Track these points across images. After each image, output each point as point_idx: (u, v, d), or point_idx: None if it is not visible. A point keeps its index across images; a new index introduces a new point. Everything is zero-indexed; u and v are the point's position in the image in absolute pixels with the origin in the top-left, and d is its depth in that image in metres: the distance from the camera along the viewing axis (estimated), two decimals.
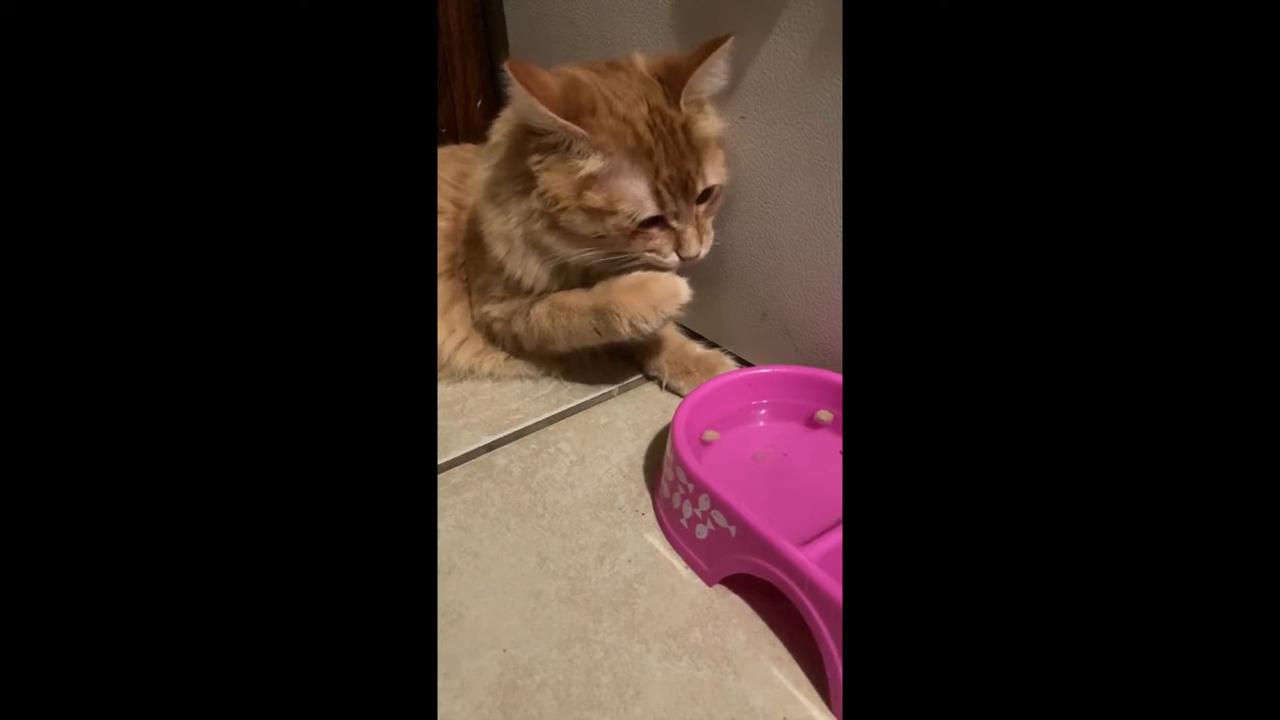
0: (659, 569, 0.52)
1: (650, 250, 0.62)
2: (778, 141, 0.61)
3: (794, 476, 0.58)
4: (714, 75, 0.60)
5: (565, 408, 0.71)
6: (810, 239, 0.62)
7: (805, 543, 0.45)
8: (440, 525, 0.57)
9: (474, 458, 0.65)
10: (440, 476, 0.62)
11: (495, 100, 1.03)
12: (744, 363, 0.73)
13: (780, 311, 0.68)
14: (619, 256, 0.63)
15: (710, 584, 0.51)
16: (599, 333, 0.64)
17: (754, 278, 0.69)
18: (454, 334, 0.75)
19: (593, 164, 0.57)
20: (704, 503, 0.50)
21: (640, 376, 0.76)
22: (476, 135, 0.86)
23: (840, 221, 0.58)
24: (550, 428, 0.69)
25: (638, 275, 0.63)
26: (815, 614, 0.42)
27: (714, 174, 0.61)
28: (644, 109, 0.58)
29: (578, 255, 0.63)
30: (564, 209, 0.59)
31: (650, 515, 0.57)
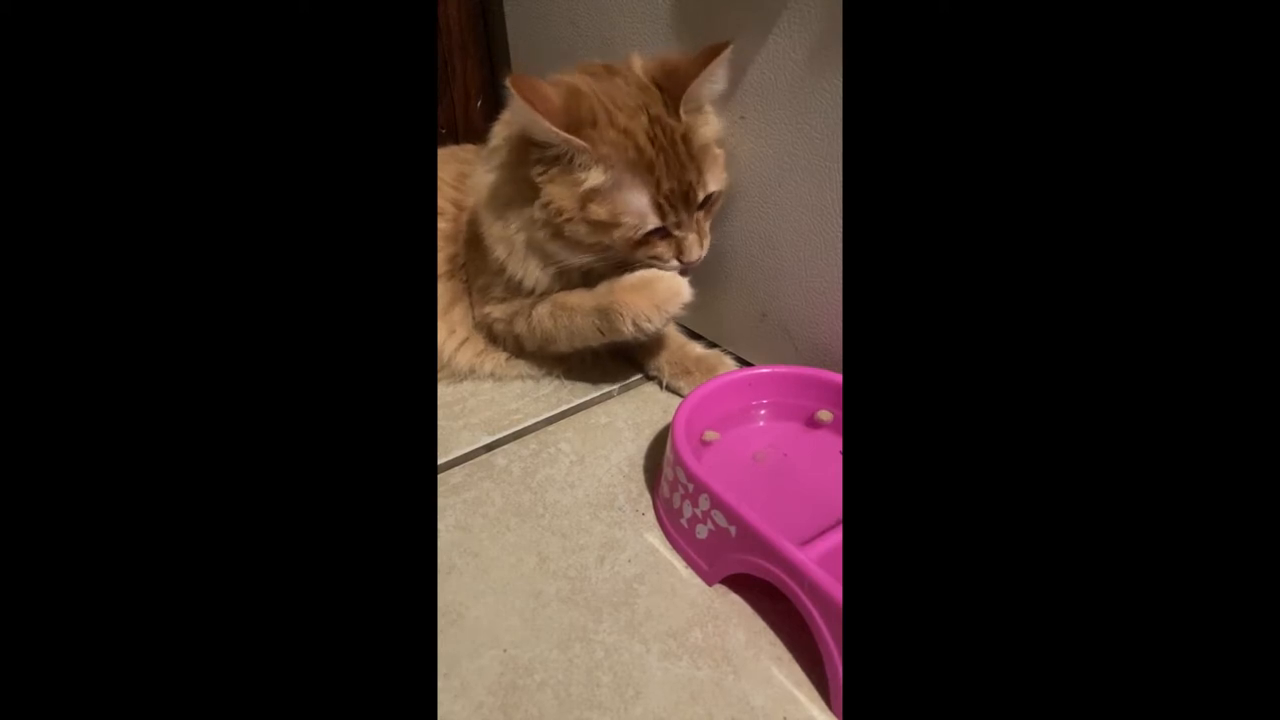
0: (659, 569, 0.52)
1: (653, 257, 0.63)
2: (777, 142, 0.61)
3: (794, 476, 0.58)
4: (713, 82, 0.60)
5: (565, 408, 0.71)
6: (810, 239, 0.62)
7: (805, 542, 0.45)
8: (440, 525, 0.57)
9: (474, 458, 0.65)
10: (440, 476, 0.62)
11: (495, 100, 1.03)
12: (744, 363, 0.73)
13: (780, 311, 0.68)
14: (622, 262, 0.63)
15: (710, 584, 0.51)
16: (602, 332, 0.64)
17: (754, 278, 0.69)
18: (454, 334, 0.75)
19: (595, 177, 0.57)
20: (704, 503, 0.50)
21: (640, 376, 0.76)
22: (476, 135, 0.86)
23: (840, 221, 0.58)
24: (550, 428, 0.69)
25: (640, 274, 0.63)
26: (815, 614, 0.42)
27: (714, 181, 0.61)
28: (644, 119, 0.58)
29: (581, 261, 0.63)
30: (568, 220, 0.59)
31: (650, 515, 0.57)
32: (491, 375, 0.76)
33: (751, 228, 0.67)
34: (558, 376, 0.75)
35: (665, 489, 0.55)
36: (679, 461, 0.52)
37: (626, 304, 0.61)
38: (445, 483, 0.61)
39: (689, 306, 0.63)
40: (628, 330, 0.62)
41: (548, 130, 0.55)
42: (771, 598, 0.47)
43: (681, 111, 0.59)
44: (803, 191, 0.60)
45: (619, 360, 0.77)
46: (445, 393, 0.74)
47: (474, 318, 0.75)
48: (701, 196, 0.61)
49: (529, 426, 0.69)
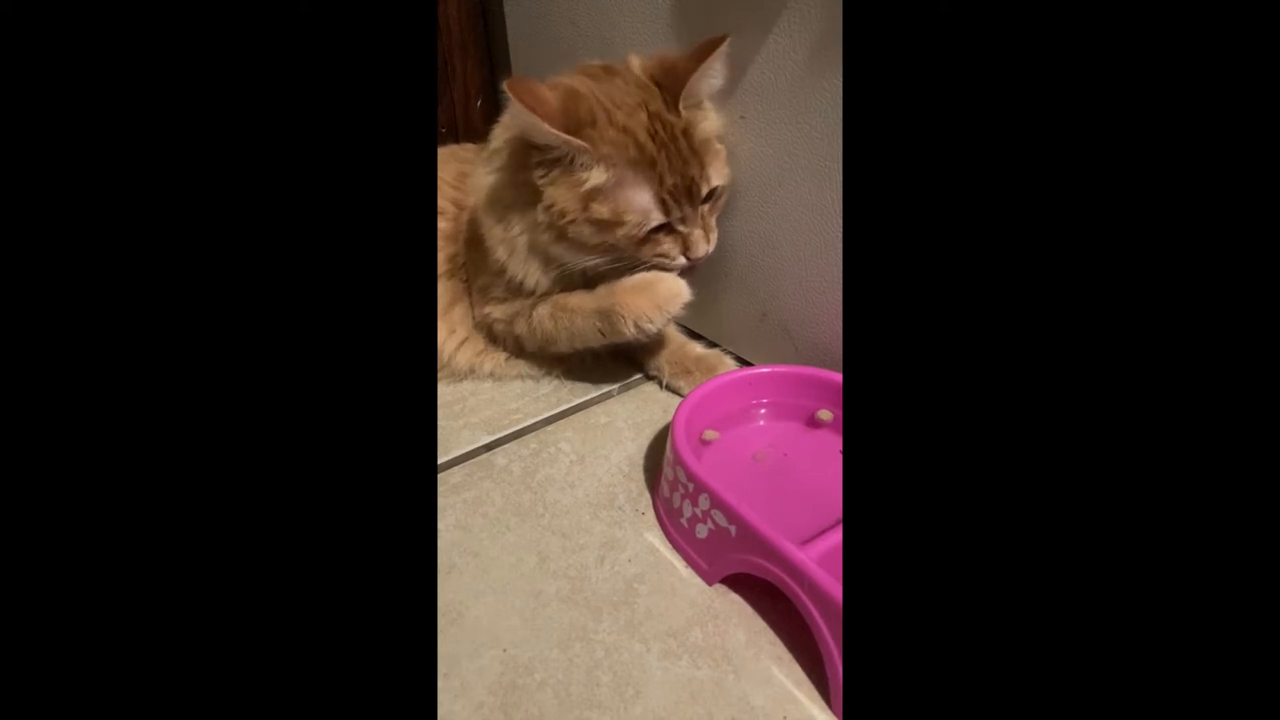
0: (659, 568, 0.52)
1: (659, 255, 0.63)
2: (777, 141, 0.61)
3: (794, 476, 0.58)
4: (712, 77, 0.60)
5: (565, 407, 0.71)
6: (810, 239, 0.62)
7: (805, 542, 0.45)
8: (440, 525, 0.57)
9: (474, 457, 0.65)
10: (440, 476, 0.62)
11: (495, 100, 1.03)
12: (744, 362, 0.73)
13: (780, 311, 0.68)
14: (627, 262, 0.63)
15: (710, 583, 0.51)
16: (603, 334, 0.65)
17: (754, 277, 0.69)
18: (454, 334, 0.75)
19: (596, 176, 0.57)
20: (704, 502, 0.50)
21: (640, 376, 0.76)
22: (476, 135, 0.86)
23: (840, 221, 0.58)
24: (550, 427, 0.69)
25: (640, 276, 0.63)
26: (815, 613, 0.42)
27: (717, 175, 0.61)
28: (644, 117, 0.58)
29: (585, 263, 0.63)
30: (571, 221, 0.59)
31: (650, 515, 0.57)
32: (491, 375, 0.76)
33: (752, 227, 0.67)
34: (557, 376, 0.75)
35: (665, 488, 0.55)
36: (679, 461, 0.52)
37: (628, 305, 0.61)
38: (445, 482, 0.61)
39: (689, 306, 0.63)
40: (629, 331, 0.62)
41: (547, 133, 0.55)
42: (771, 597, 0.47)
43: (681, 107, 0.59)
44: (803, 191, 0.60)
45: (619, 360, 0.77)
46: (445, 392, 0.74)
47: (474, 317, 0.75)
48: (705, 190, 0.61)
49: (529, 426, 0.69)
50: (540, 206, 0.60)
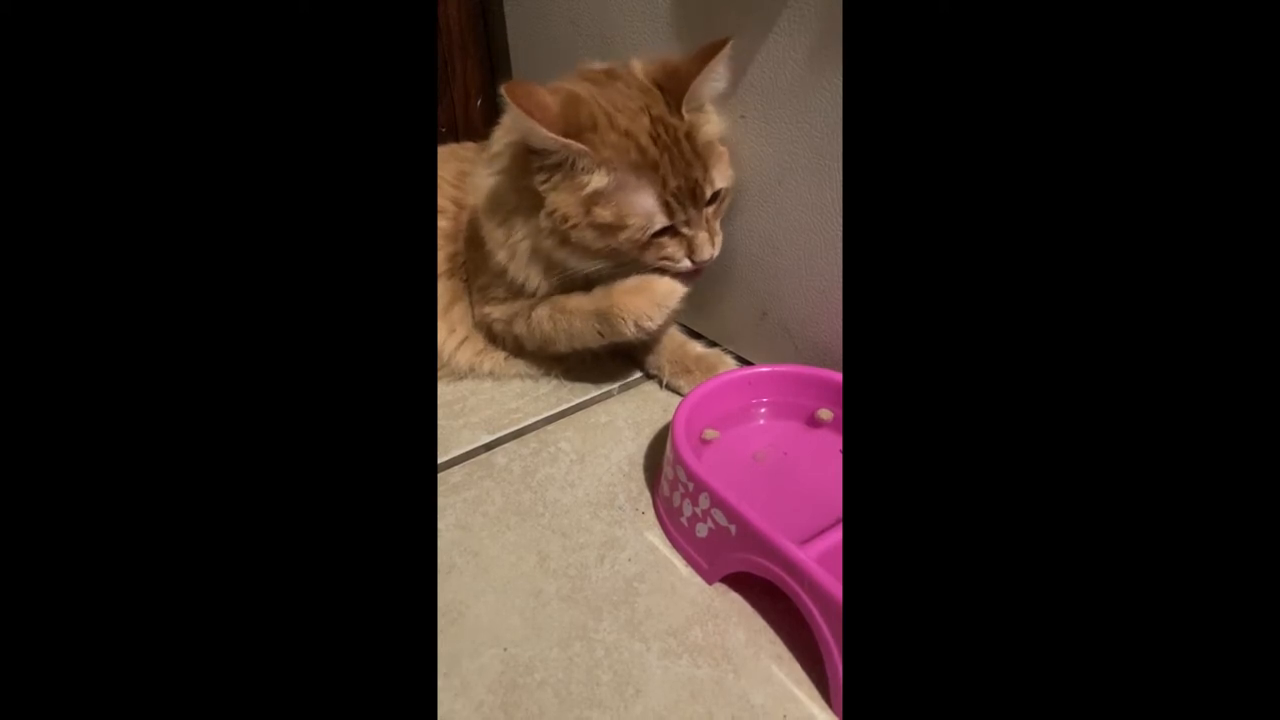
0: (659, 567, 0.52)
1: (664, 258, 0.62)
2: (778, 140, 0.61)
3: (794, 475, 0.58)
4: (715, 80, 0.60)
5: (565, 407, 0.71)
6: (810, 238, 0.62)
7: (805, 541, 0.45)
8: (440, 524, 0.57)
9: (474, 457, 0.65)
10: (440, 475, 0.62)
11: (495, 100, 1.03)
12: (744, 362, 0.73)
13: (780, 310, 0.68)
14: (630, 267, 0.63)
15: (710, 582, 0.51)
16: (602, 334, 0.65)
17: (754, 277, 0.69)
18: (454, 333, 0.75)
19: (598, 180, 0.57)
20: (704, 501, 0.50)
21: (640, 375, 0.76)
22: (476, 134, 0.86)
23: (840, 220, 0.58)
24: (550, 427, 0.69)
25: (636, 278, 0.63)
26: (815, 612, 0.42)
27: (721, 177, 0.61)
28: (646, 121, 0.58)
29: (589, 268, 0.63)
30: (574, 226, 0.59)
31: (650, 514, 0.57)
32: (491, 374, 0.76)
33: (752, 227, 0.67)
34: (557, 376, 0.75)
35: (665, 488, 0.55)
36: (679, 460, 0.52)
37: (626, 306, 0.61)
38: (445, 482, 0.61)
39: (689, 306, 0.63)
40: (630, 332, 0.62)
41: (546, 137, 0.55)
42: (771, 596, 0.47)
43: (684, 110, 0.59)
44: (803, 190, 0.60)
45: (619, 359, 0.77)
46: (445, 391, 0.74)
47: (473, 317, 0.75)
48: (709, 193, 0.61)
49: (529, 425, 0.69)
50: (543, 213, 0.60)
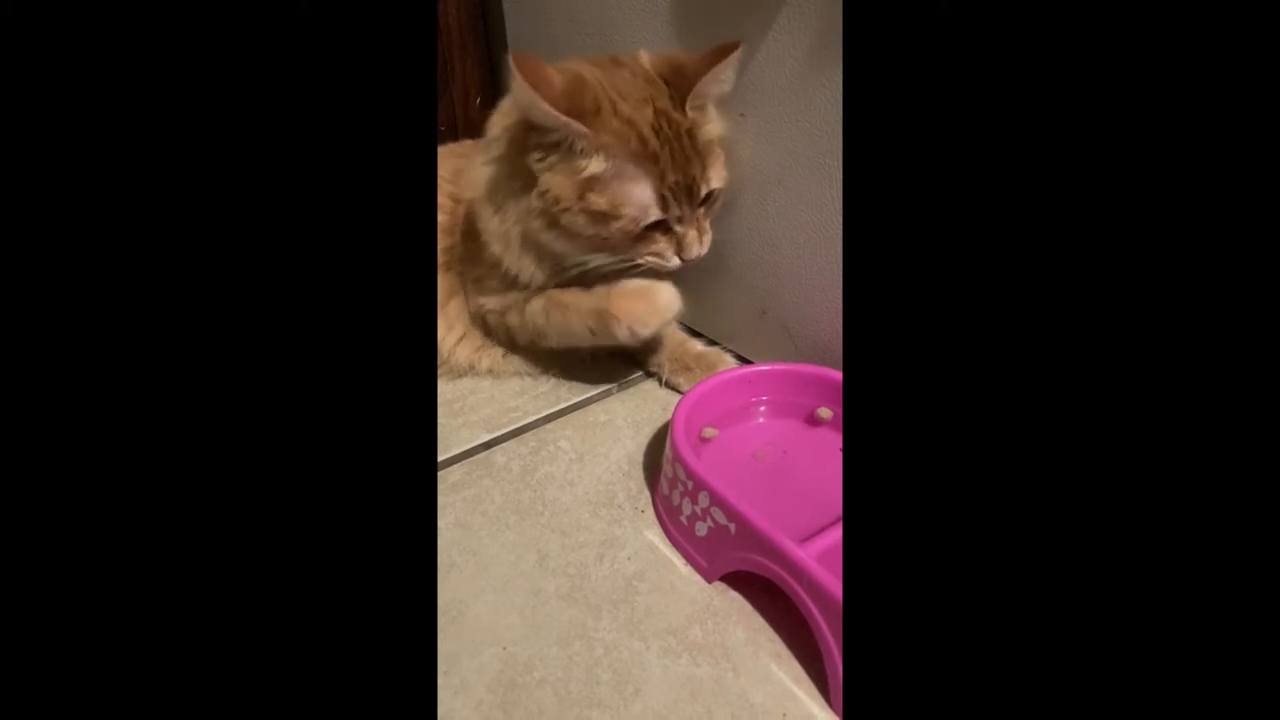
0: (658, 566, 0.52)
1: (652, 254, 0.62)
2: (778, 139, 0.61)
3: (793, 474, 0.58)
4: (722, 82, 0.59)
5: (564, 405, 0.71)
6: (810, 236, 0.62)
7: (804, 540, 0.45)
8: (440, 523, 0.57)
9: (473, 455, 0.65)
10: (439, 474, 0.62)
11: (494, 99, 1.03)
12: (744, 360, 0.73)
13: (780, 309, 0.68)
14: (617, 259, 0.62)
15: (710, 581, 0.51)
16: (593, 333, 0.64)
17: (754, 275, 0.69)
18: (453, 330, 0.75)
19: (596, 165, 0.56)
20: (703, 500, 0.50)
21: (640, 374, 0.76)
22: (476, 133, 0.86)
23: (840, 219, 0.58)
24: (549, 425, 0.69)
25: (637, 282, 0.63)
26: (814, 611, 0.42)
27: (717, 178, 0.61)
28: (649, 112, 0.58)
29: (576, 257, 0.62)
30: (566, 209, 0.58)
31: (650, 513, 0.57)
32: (490, 371, 0.75)
33: (752, 225, 0.67)
34: (555, 374, 0.75)
35: (665, 486, 0.55)
36: (678, 459, 0.52)
37: (624, 309, 0.61)
38: (444, 480, 0.61)
39: (688, 304, 0.63)
40: (623, 335, 0.62)
41: (548, 113, 0.54)
42: (771, 595, 0.47)
43: (688, 108, 0.59)
44: (803, 188, 0.60)
45: (618, 358, 0.77)
46: (444, 390, 0.74)
47: (469, 308, 0.75)
48: (704, 191, 0.60)
49: (528, 424, 0.69)
50: (535, 192, 0.59)
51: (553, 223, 0.60)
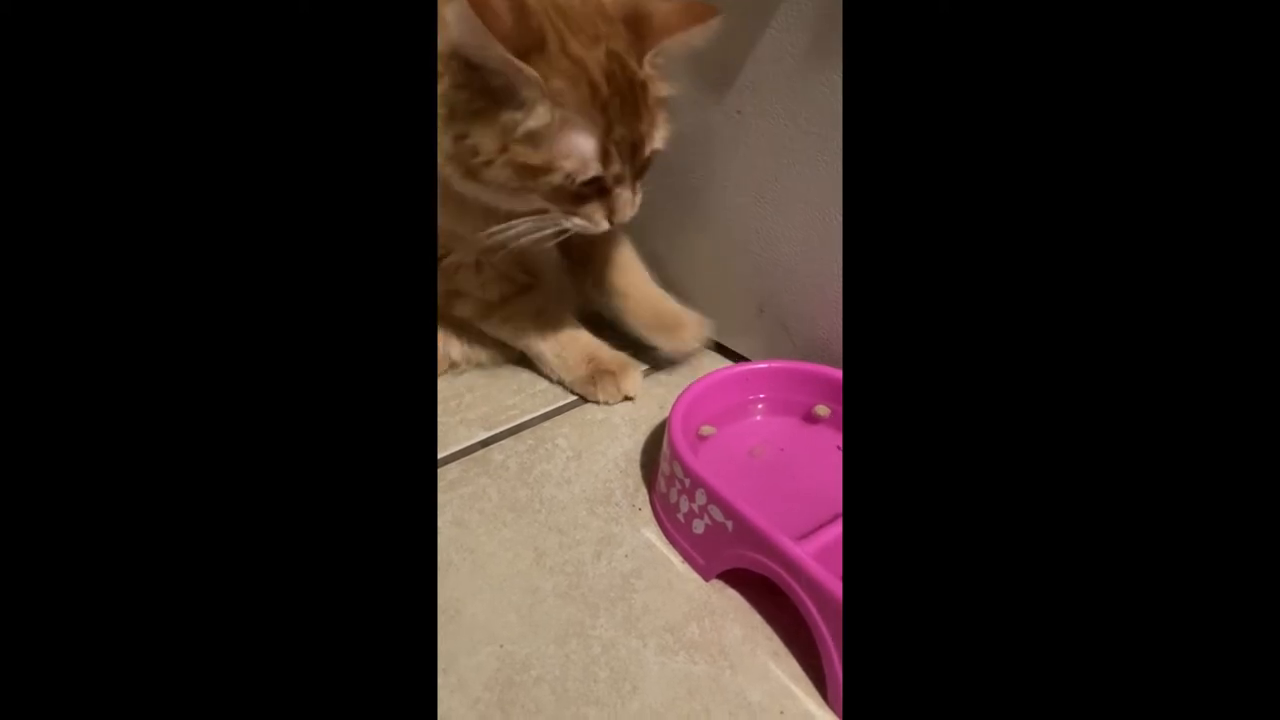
0: (656, 564, 0.52)
1: (580, 215, 0.55)
2: (775, 135, 0.61)
3: (791, 471, 0.58)
4: (692, 46, 0.53)
5: (562, 403, 0.71)
6: (808, 233, 0.62)
7: (802, 537, 0.45)
8: (437, 521, 0.56)
9: (470, 453, 0.65)
10: (437, 472, 0.62)
11: None
12: (741, 358, 0.73)
13: (778, 306, 0.68)
14: (536, 217, 0.55)
15: (707, 579, 0.51)
16: (540, 357, 0.70)
17: (751, 272, 0.69)
18: None
19: (540, 116, 0.48)
20: (700, 498, 0.50)
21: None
22: None
23: (838, 215, 0.58)
24: (547, 423, 0.69)
25: (611, 354, 0.71)
26: (812, 609, 0.42)
27: (661, 139, 0.56)
28: (600, 54, 0.49)
29: (492, 203, 0.55)
30: (488, 163, 0.50)
31: (647, 510, 0.57)
32: (480, 366, 0.76)
33: (749, 223, 0.67)
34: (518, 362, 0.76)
35: (662, 484, 0.55)
36: (676, 456, 0.52)
37: (602, 387, 0.69)
38: (442, 478, 0.61)
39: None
40: (594, 396, 0.70)
41: (499, 57, 0.45)
42: (768, 593, 0.47)
43: (646, 62, 0.52)
44: (801, 185, 0.60)
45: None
46: (441, 387, 0.74)
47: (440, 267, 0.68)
48: (647, 151, 0.55)
49: (526, 422, 0.68)
50: (450, 134, 0.50)
51: (471, 174, 0.51)
